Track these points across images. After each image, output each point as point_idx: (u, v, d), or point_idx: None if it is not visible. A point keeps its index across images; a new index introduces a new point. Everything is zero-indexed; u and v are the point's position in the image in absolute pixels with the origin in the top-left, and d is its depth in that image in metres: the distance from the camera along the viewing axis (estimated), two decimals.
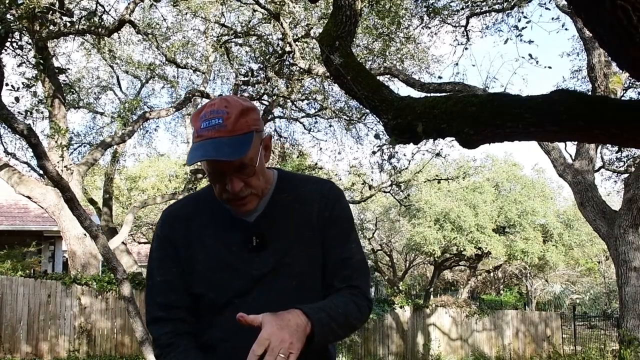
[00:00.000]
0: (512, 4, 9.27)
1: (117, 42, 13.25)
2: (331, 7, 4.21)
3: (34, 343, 9.81)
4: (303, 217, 1.36)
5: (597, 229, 10.68)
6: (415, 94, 10.06)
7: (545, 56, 53.11)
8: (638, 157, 12.41)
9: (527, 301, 24.61)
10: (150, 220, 20.04)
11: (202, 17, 11.58)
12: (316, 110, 14.24)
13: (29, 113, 7.15)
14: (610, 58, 6.83)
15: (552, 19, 13.30)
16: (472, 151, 13.76)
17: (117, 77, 16.43)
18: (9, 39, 6.46)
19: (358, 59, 4.08)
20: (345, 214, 1.41)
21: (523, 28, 9.75)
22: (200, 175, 12.94)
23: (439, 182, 14.65)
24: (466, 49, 10.49)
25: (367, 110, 7.02)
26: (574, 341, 15.63)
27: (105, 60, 15.02)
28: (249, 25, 11.52)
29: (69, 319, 10.12)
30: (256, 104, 12.84)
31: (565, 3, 8.52)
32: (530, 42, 8.81)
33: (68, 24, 8.63)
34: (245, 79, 11.59)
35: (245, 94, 12.21)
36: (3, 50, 6.38)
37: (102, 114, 16.73)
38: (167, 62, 12.47)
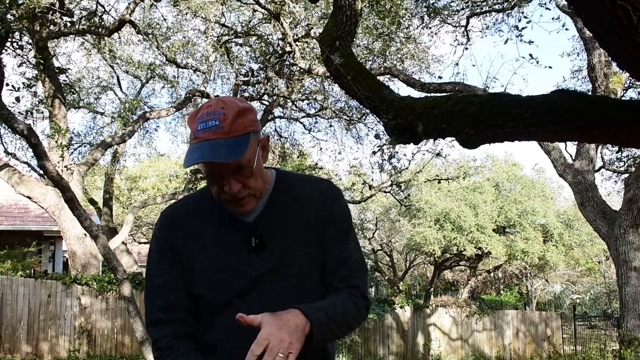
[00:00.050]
0: (513, 4, 9.26)
1: (117, 42, 13.25)
2: (331, 7, 4.21)
3: (34, 343, 9.81)
4: (302, 216, 1.36)
5: (598, 229, 10.68)
6: (416, 94, 10.07)
7: (545, 56, 53.15)
8: (638, 157, 12.41)
9: (527, 301, 24.60)
10: (151, 220, 20.05)
11: (202, 17, 11.57)
12: (316, 110, 14.24)
13: (29, 113, 7.16)
14: (610, 58, 6.81)
15: (553, 19, 13.55)
16: (472, 151, 13.76)
17: (118, 77, 16.46)
18: (9, 39, 6.46)
19: (358, 59, 4.08)
20: (343, 214, 1.41)
21: (523, 28, 9.77)
22: (200, 175, 12.93)
23: (439, 182, 14.64)
24: (466, 49, 10.49)
25: (367, 110, 7.02)
26: (574, 341, 15.64)
27: (106, 60, 15.02)
28: (249, 25, 11.52)
29: (69, 319, 10.11)
30: (256, 104, 12.96)
31: (566, 3, 8.51)
32: (530, 42, 8.87)
33: (68, 24, 8.63)
34: (246, 79, 11.59)
35: (246, 94, 12.22)
36: (3, 50, 6.38)
37: (102, 114, 16.75)
38: (167, 62, 12.47)
